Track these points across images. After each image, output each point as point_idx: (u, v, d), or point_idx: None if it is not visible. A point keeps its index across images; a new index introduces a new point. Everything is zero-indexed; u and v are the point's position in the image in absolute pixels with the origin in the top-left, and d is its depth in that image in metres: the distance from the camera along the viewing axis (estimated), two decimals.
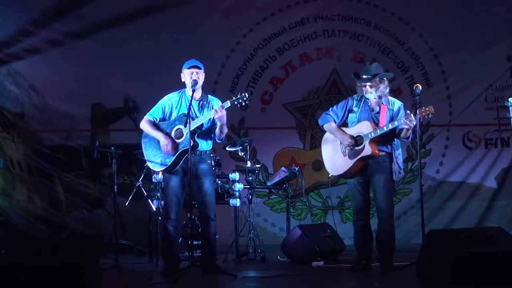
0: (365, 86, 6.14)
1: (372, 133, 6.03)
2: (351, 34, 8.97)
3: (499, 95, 8.84)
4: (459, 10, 8.81)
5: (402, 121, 5.93)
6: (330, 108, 6.38)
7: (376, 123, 6.11)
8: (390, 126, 6.00)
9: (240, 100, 6.03)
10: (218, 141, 6.29)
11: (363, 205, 6.25)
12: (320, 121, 6.41)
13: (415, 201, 8.72)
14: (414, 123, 5.88)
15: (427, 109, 5.87)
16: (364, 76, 6.14)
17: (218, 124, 6.10)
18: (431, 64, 8.93)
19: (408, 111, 6.00)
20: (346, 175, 6.25)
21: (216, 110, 5.98)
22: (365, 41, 8.95)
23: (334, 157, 6.30)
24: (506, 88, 8.90)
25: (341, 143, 6.23)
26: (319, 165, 8.61)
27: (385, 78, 6.17)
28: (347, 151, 6.17)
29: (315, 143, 8.92)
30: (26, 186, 8.71)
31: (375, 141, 6.07)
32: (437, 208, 8.85)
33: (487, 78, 8.90)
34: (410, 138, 6.11)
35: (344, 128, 6.25)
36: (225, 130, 6.16)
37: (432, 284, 5.15)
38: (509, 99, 6.52)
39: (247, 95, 6.03)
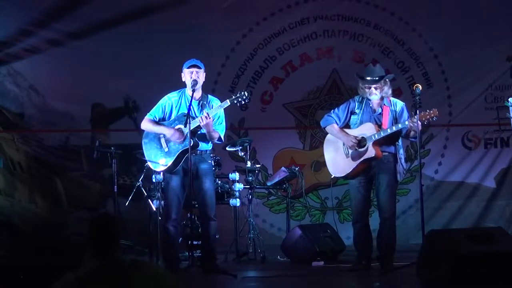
0: (369, 88, 6.14)
1: (376, 135, 6.04)
2: (351, 34, 8.96)
3: (499, 95, 8.84)
4: (459, 10, 8.80)
5: (406, 123, 5.94)
6: (332, 110, 6.38)
7: (379, 125, 6.12)
8: (394, 129, 6.01)
9: (239, 99, 6.03)
10: (217, 142, 6.30)
11: (363, 206, 6.25)
12: (322, 123, 6.41)
13: (413, 201, 8.72)
14: (419, 126, 5.88)
15: (431, 112, 5.86)
16: (370, 78, 6.13)
17: (205, 131, 6.08)
18: (431, 64, 8.93)
19: (402, 103, 6.00)
20: (348, 176, 6.25)
21: (202, 118, 5.97)
22: (365, 41, 8.95)
23: (336, 159, 6.30)
24: (506, 88, 8.90)
25: (343, 144, 6.23)
26: (318, 165, 8.62)
27: (388, 80, 6.20)
28: (350, 152, 6.18)
29: (315, 144, 8.92)
30: (27, 186, 8.71)
31: (379, 142, 6.07)
32: (435, 208, 8.85)
33: (487, 78, 8.89)
34: (417, 138, 6.09)
35: (346, 130, 6.26)
36: (215, 134, 6.14)
37: (432, 284, 5.15)
38: (509, 99, 6.53)
39: (246, 94, 6.03)
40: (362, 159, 6.09)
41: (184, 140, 6.06)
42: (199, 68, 6.19)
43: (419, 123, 5.86)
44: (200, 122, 5.98)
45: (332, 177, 6.55)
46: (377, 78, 6.12)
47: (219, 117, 6.21)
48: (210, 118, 5.98)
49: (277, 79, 9.00)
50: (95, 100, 8.89)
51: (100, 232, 3.30)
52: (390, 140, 6.13)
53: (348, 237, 7.47)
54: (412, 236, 8.42)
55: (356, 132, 6.19)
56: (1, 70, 8.74)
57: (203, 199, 6.21)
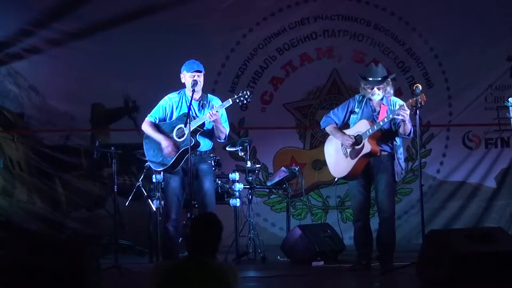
0: (372, 88, 6.13)
1: (370, 130, 6.04)
2: (351, 34, 8.95)
3: (499, 95, 8.83)
4: (459, 10, 8.80)
5: (396, 112, 5.94)
6: (331, 111, 6.41)
7: (374, 121, 6.12)
8: (386, 120, 6.01)
9: (242, 98, 6.03)
10: (221, 140, 6.30)
11: (363, 205, 6.26)
12: (321, 124, 6.43)
13: (415, 201, 8.69)
14: (407, 112, 5.87)
15: (418, 97, 5.87)
16: (372, 79, 6.12)
17: (215, 127, 6.10)
18: (432, 64, 8.92)
19: (402, 102, 6.00)
20: (349, 176, 6.24)
21: (211, 114, 5.98)
22: (365, 41, 8.94)
23: (336, 160, 6.31)
24: (506, 88, 8.89)
25: (342, 145, 6.24)
26: (319, 164, 8.62)
27: (389, 80, 6.20)
28: (348, 152, 6.18)
29: (315, 143, 8.92)
30: (26, 186, 8.70)
31: (375, 139, 6.07)
32: (437, 208, 8.85)
33: (487, 78, 8.88)
34: (411, 134, 6.07)
35: (344, 130, 6.26)
36: (224, 130, 6.16)
37: (432, 284, 5.15)
38: (509, 99, 6.53)
39: (248, 93, 6.04)
40: (360, 155, 6.09)
41: (184, 140, 6.06)
42: (200, 72, 6.19)
43: (408, 110, 5.84)
44: (210, 119, 5.98)
45: (336, 180, 6.58)
46: (380, 79, 6.12)
47: (222, 115, 6.21)
48: (217, 114, 5.99)
49: (277, 79, 9.00)
50: (95, 100, 8.89)
51: (201, 232, 3.50)
52: (386, 137, 6.12)
53: (351, 237, 7.46)
54: (414, 236, 8.42)
55: (352, 130, 6.21)
56: (1, 70, 8.74)
57: (203, 200, 6.20)
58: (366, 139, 6.06)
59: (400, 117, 5.92)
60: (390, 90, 6.22)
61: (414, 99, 5.84)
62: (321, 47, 9.00)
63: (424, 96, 5.87)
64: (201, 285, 3.34)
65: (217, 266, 3.42)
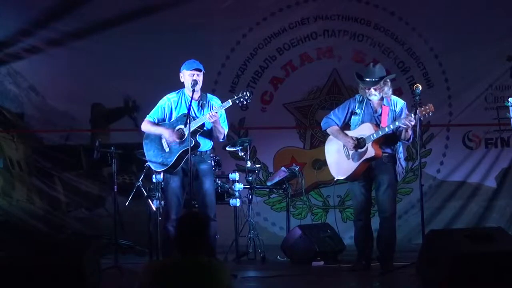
0: (369, 88, 6.13)
1: (374, 135, 6.04)
2: (351, 34, 8.95)
3: (499, 95, 8.83)
4: (459, 10, 8.80)
5: (402, 121, 5.95)
6: (332, 112, 6.40)
7: (378, 125, 6.12)
8: (392, 127, 6.02)
9: (241, 99, 6.03)
10: (219, 140, 6.31)
11: (364, 205, 6.26)
12: (322, 126, 6.43)
13: (416, 201, 8.70)
14: (413, 123, 5.89)
15: (427, 107, 5.88)
16: (368, 79, 6.12)
17: (213, 126, 6.10)
18: (432, 64, 8.92)
19: (407, 112, 6.03)
20: (350, 178, 6.25)
21: (210, 116, 5.98)
22: (365, 41, 8.94)
23: (338, 161, 6.31)
24: (506, 88, 8.89)
25: (344, 146, 6.24)
26: (319, 164, 8.62)
27: (388, 80, 6.19)
28: (350, 153, 6.18)
29: (315, 143, 8.92)
30: (26, 186, 8.71)
31: (378, 142, 6.08)
32: (437, 208, 8.85)
33: (487, 78, 8.88)
34: (410, 140, 6.11)
35: (346, 131, 6.27)
36: (222, 130, 6.16)
37: (432, 284, 5.15)
38: (509, 99, 6.53)
39: (248, 94, 6.04)
40: (362, 159, 6.10)
41: (184, 141, 6.06)
42: (200, 71, 6.19)
43: (414, 121, 5.86)
44: (210, 120, 5.98)
45: (335, 179, 6.58)
46: (375, 80, 6.11)
47: (221, 115, 6.22)
48: (217, 115, 6.00)
49: (277, 79, 8.99)
50: (95, 100, 8.89)
51: (184, 230, 3.48)
52: (389, 140, 6.13)
53: (351, 237, 7.46)
54: (414, 236, 8.41)
55: (355, 133, 6.20)
56: (1, 70, 8.75)
57: (203, 200, 6.20)
58: (370, 143, 6.07)
59: (404, 126, 5.94)
60: (388, 90, 6.20)
61: (423, 108, 5.84)
62: (321, 47, 9.00)
63: (432, 107, 5.87)
64: (193, 284, 3.33)
65: (209, 264, 3.41)
